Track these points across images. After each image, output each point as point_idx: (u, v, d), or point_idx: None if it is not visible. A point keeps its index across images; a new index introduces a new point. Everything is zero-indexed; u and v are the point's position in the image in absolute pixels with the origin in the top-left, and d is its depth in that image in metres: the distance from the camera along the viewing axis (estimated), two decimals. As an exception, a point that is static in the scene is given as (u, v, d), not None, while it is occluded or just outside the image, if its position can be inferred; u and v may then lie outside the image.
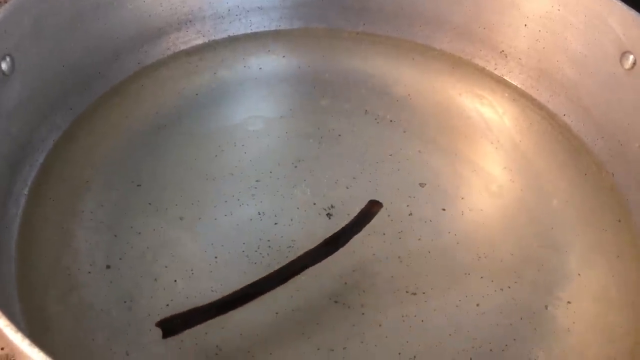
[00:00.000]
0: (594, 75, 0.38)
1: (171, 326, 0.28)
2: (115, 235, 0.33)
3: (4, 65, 0.31)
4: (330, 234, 0.34)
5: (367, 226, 0.34)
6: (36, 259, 0.32)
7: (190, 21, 0.42)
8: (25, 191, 0.34)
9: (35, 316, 0.29)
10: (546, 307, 0.32)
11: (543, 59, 0.41)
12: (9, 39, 0.31)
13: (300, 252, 0.33)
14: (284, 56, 0.44)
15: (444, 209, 0.36)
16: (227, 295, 0.29)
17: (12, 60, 0.31)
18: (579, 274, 0.34)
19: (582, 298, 0.33)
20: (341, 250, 0.33)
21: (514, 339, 0.31)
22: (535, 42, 0.41)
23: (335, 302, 0.32)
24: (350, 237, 0.32)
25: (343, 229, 0.32)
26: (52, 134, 0.36)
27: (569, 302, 0.32)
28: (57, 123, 0.36)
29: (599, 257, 0.34)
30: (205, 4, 0.42)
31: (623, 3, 0.35)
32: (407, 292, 0.32)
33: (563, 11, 0.39)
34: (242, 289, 0.29)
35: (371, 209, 0.33)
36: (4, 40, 0.30)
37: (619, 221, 0.36)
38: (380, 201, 0.34)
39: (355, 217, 0.33)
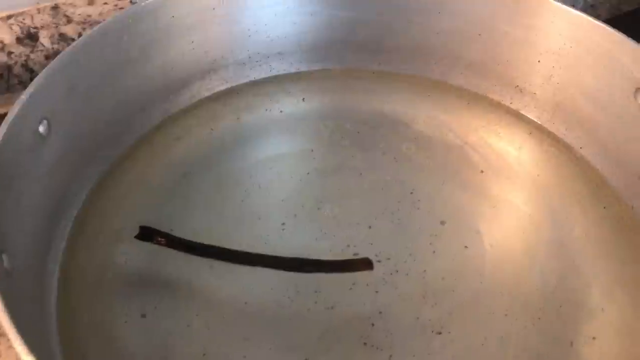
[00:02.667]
0: (608, 109, 0.39)
1: (149, 235, 0.35)
2: (149, 285, 0.34)
3: (41, 128, 0.32)
4: (356, 278, 0.35)
5: (391, 265, 0.36)
6: (75, 312, 0.33)
7: (213, 70, 0.43)
8: (63, 245, 0.35)
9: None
10: (571, 343, 0.33)
11: (558, 94, 0.42)
12: (46, 103, 0.32)
13: (327, 298, 0.34)
14: (303, 98, 0.45)
15: (466, 246, 0.37)
16: (202, 244, 0.35)
17: (49, 122, 0.33)
18: (602, 309, 0.34)
19: (607, 333, 0.33)
20: (367, 290, 0.35)
21: (541, 377, 0.32)
22: (550, 78, 0.42)
23: (365, 344, 0.32)
24: (316, 272, 0.34)
25: (317, 261, 0.34)
26: (85, 187, 0.37)
27: (593, 338, 0.33)
28: (89, 176, 0.38)
29: (621, 291, 0.35)
30: (227, 52, 0.43)
31: (634, 41, 0.36)
32: (432, 331, 0.33)
33: (575, 48, 0.40)
34: (215, 247, 0.35)
35: (358, 264, 0.34)
36: (41, 106, 0.32)
37: (640, 254, 0.36)
38: (400, 242, 0.36)
39: (338, 261, 0.34)
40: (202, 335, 0.32)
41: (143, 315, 0.33)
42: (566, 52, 0.40)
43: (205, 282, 0.35)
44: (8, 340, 0.24)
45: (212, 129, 0.42)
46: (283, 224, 0.37)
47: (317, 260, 0.35)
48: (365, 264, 0.35)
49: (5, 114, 0.30)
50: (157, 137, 0.42)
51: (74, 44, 0.34)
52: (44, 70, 0.32)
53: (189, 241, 0.35)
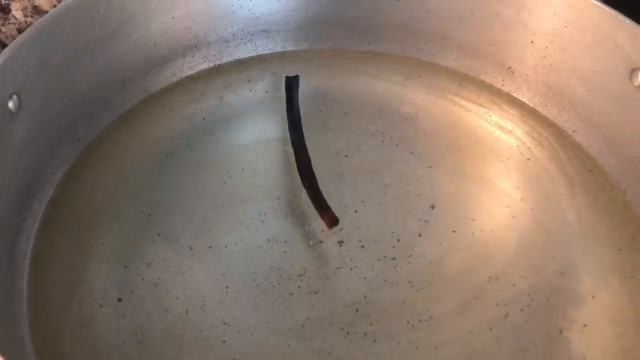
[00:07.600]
0: (603, 92, 0.38)
1: (290, 89, 0.41)
2: (126, 267, 0.33)
3: (10, 104, 0.31)
4: (341, 262, 0.34)
5: (377, 250, 0.34)
6: (48, 294, 0.32)
7: (195, 46, 0.42)
8: (35, 226, 0.34)
9: (48, 354, 0.29)
10: (561, 331, 0.32)
11: (551, 76, 0.41)
12: (15, 77, 0.31)
13: (311, 283, 0.33)
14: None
15: (454, 231, 0.36)
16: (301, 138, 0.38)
17: (19, 98, 0.31)
18: (593, 296, 0.33)
19: (598, 321, 0.32)
20: (352, 275, 0.34)
21: (530, 365, 0.31)
22: (543, 59, 0.41)
23: (348, 331, 0.31)
24: (306, 188, 0.36)
25: (314, 183, 0.35)
26: (60, 167, 0.36)
27: (584, 325, 0.32)
28: (65, 155, 0.36)
29: (613, 278, 0.34)
30: (210, 29, 0.42)
31: (631, 20, 0.35)
32: (419, 317, 0.32)
33: (570, 28, 0.38)
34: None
35: (327, 215, 0.34)
36: (10, 80, 0.30)
37: (633, 240, 0.36)
38: (387, 226, 0.35)
39: (323, 199, 0.35)
40: (181, 320, 0.31)
41: (119, 300, 0.32)
42: (561, 33, 0.39)
43: (186, 266, 0.33)
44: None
45: (194, 109, 0.41)
46: (266, 207, 0.36)
47: (315, 183, 0.36)
48: (329, 219, 0.34)
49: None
50: (136, 117, 0.40)
51: (46, 15, 0.33)
52: (14, 41, 0.30)
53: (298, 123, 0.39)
